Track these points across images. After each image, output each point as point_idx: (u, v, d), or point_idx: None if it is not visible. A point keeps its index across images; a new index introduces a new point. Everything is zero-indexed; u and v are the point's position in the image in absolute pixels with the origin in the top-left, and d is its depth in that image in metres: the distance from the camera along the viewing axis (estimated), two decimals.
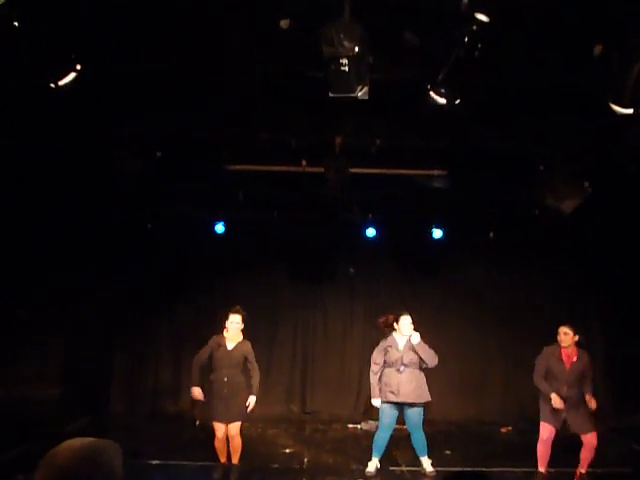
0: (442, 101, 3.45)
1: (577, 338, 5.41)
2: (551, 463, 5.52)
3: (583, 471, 5.38)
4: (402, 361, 5.75)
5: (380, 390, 5.81)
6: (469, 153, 5.57)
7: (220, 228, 8.14)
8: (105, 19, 3.28)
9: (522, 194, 6.45)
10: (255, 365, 5.57)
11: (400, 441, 6.97)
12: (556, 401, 5.27)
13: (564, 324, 5.47)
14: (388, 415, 5.77)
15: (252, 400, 5.48)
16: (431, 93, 3.45)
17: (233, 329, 5.50)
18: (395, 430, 6.67)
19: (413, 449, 6.03)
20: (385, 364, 5.83)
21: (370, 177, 5.98)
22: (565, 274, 8.60)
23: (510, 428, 7.68)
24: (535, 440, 5.59)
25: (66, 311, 8.15)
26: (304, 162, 5.53)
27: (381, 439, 5.84)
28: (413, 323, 5.81)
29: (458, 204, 7.40)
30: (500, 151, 5.45)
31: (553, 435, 5.44)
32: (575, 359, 5.40)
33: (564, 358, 5.41)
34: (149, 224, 8.04)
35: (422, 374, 5.85)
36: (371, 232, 8.21)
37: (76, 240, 8.04)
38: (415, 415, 5.77)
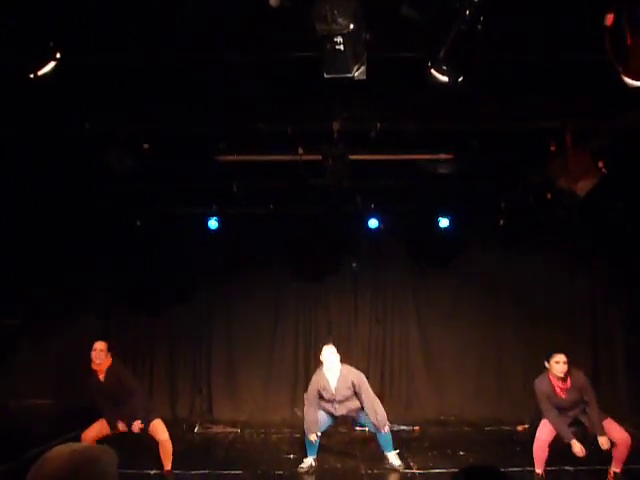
0: (444, 79, 3.45)
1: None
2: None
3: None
4: (336, 399, 5.99)
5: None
6: (476, 135, 5.57)
7: (213, 224, 8.15)
8: (87, 5, 3.28)
9: (534, 177, 6.45)
10: (135, 385, 5.63)
11: (411, 443, 7.03)
12: (577, 448, 5.12)
13: (557, 352, 5.30)
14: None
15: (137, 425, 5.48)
16: (432, 71, 3.45)
17: (97, 357, 5.48)
18: (405, 432, 6.71)
19: (424, 451, 6.19)
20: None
21: (371, 164, 5.97)
22: (583, 260, 8.64)
23: (527, 426, 7.70)
24: None
25: (56, 316, 8.22)
26: (300, 150, 5.51)
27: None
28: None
29: (466, 190, 7.41)
30: (509, 132, 5.44)
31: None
32: (569, 385, 5.28)
33: (557, 390, 5.30)
34: (138, 221, 8.06)
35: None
36: (373, 223, 8.23)
37: (62, 243, 8.09)
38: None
